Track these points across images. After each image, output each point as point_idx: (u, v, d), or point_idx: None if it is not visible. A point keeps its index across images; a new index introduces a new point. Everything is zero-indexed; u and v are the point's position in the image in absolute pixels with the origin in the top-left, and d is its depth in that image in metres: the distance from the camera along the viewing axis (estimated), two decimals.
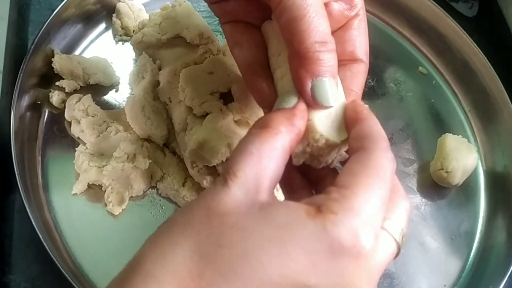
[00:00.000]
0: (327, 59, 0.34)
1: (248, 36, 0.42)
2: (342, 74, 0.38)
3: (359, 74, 0.40)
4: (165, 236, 0.29)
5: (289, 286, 0.27)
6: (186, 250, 0.28)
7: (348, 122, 0.35)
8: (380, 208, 0.30)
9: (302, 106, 0.34)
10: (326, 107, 0.35)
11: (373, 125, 0.33)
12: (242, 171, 0.30)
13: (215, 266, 0.27)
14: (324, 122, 0.35)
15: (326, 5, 0.37)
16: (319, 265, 0.28)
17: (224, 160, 0.48)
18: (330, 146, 0.35)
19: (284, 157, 0.32)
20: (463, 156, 0.57)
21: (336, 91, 0.35)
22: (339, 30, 0.39)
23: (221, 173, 0.32)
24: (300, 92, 0.35)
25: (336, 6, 0.38)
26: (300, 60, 0.34)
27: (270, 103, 0.38)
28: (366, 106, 0.35)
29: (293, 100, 0.35)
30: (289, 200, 0.32)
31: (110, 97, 0.57)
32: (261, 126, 0.32)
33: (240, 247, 0.27)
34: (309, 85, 0.34)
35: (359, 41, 0.40)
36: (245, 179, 0.30)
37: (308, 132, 0.34)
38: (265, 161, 0.31)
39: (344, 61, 0.39)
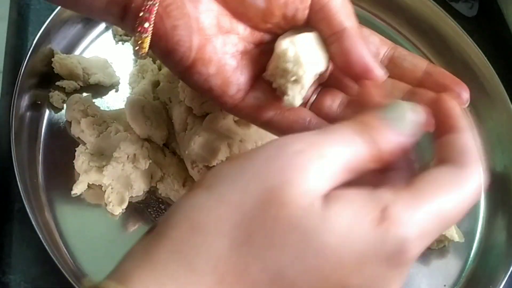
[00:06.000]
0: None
1: None
2: None
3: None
4: (205, 214, 0.26)
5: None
6: (226, 241, 0.26)
7: (439, 122, 0.33)
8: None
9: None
10: None
11: (471, 139, 0.32)
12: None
13: (262, 266, 0.26)
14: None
15: None
16: (366, 270, 0.26)
17: (223, 160, 0.48)
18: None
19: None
20: None
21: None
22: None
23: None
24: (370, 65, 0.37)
25: None
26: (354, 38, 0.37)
27: None
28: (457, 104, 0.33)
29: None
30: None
31: (110, 97, 0.57)
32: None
33: (294, 253, 0.26)
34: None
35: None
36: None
37: None
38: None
39: None
